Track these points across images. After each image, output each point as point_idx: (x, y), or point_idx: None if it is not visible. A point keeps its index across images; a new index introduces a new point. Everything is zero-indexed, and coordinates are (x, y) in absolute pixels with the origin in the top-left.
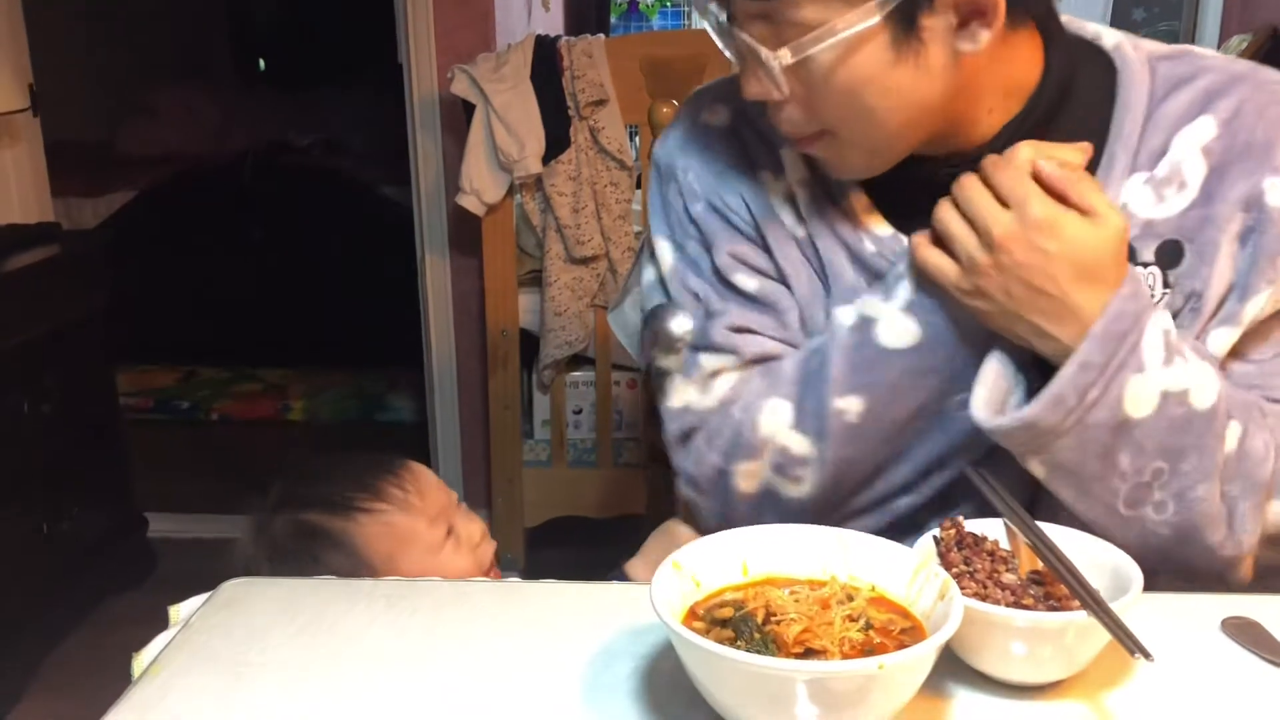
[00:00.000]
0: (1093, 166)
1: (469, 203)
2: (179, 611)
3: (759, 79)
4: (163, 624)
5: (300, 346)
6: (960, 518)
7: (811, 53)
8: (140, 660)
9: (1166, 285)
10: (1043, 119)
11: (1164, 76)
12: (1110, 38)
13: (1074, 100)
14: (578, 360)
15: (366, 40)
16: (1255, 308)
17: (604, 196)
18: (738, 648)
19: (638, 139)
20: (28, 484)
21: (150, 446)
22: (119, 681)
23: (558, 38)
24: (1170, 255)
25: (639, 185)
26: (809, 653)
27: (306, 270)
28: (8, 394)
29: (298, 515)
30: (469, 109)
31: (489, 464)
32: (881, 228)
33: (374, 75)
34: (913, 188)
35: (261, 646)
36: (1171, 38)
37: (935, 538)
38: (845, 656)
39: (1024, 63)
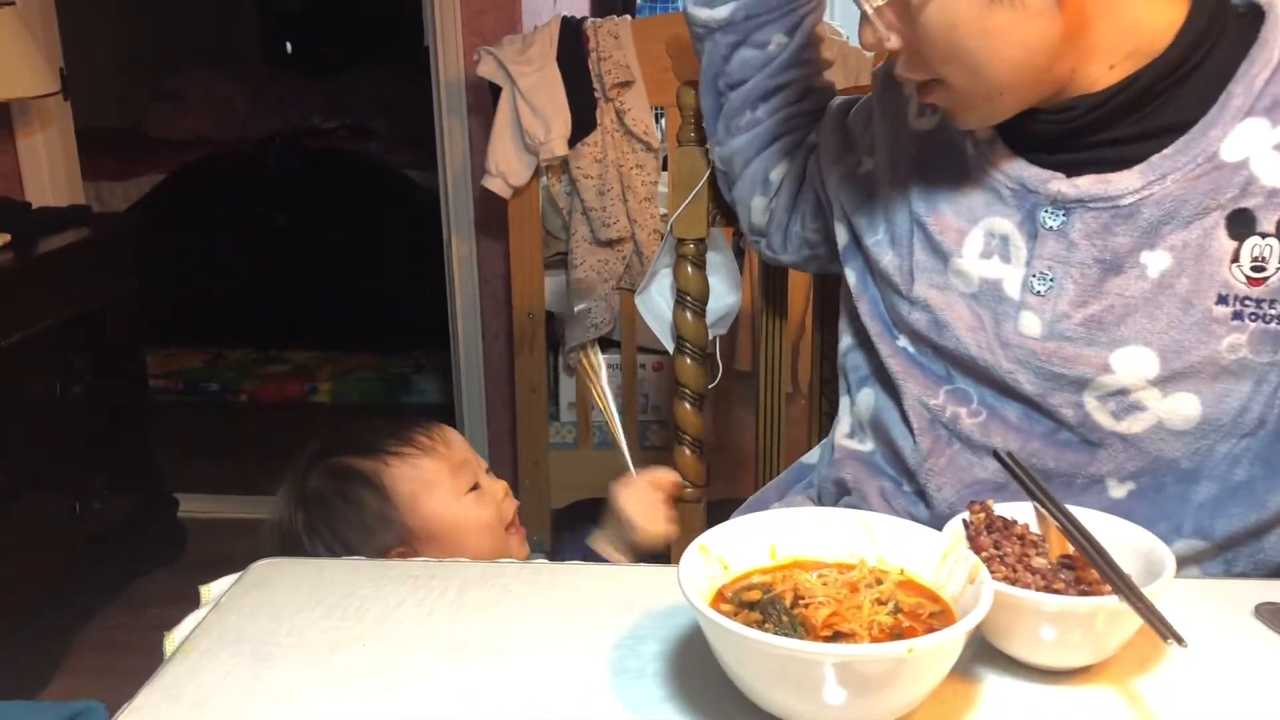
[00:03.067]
0: (1207, 105)
1: (495, 185)
2: (210, 591)
3: (869, 26)
4: (193, 604)
5: (327, 329)
6: (990, 501)
7: None
8: (172, 640)
9: None
10: (1169, 79)
11: None
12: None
13: (1209, 62)
14: (604, 343)
15: (393, 23)
16: None
17: (630, 179)
18: (765, 631)
19: (664, 121)
20: (59, 465)
21: (179, 428)
22: (150, 661)
23: (584, 19)
24: None
25: (664, 167)
26: (837, 636)
27: (333, 253)
28: (39, 376)
29: (333, 459)
30: (495, 91)
31: (515, 446)
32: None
33: (400, 58)
34: (1036, 142)
35: (290, 627)
36: None
37: (965, 521)
38: (874, 640)
39: (1152, 17)
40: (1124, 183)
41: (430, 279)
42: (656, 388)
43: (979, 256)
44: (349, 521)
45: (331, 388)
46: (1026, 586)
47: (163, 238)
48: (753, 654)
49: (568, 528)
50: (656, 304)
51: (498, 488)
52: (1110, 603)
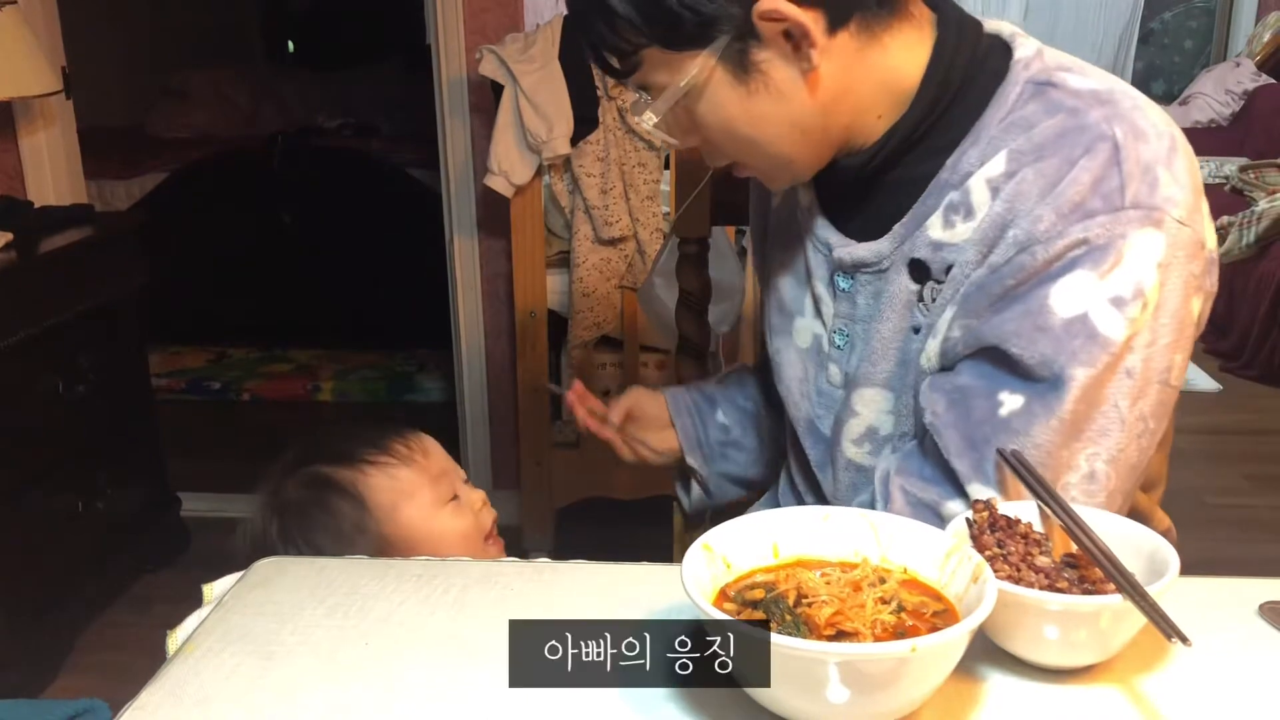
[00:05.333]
0: (950, 150)
1: (497, 184)
2: (212, 590)
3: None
4: (196, 602)
5: (330, 327)
6: (994, 500)
7: (667, 108)
8: (175, 638)
9: None
10: (929, 121)
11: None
12: (1022, 48)
13: (963, 104)
14: (606, 342)
15: (396, 22)
16: None
17: (632, 177)
18: (769, 630)
19: None
20: (62, 463)
21: (182, 426)
22: (153, 659)
23: None
24: None
25: (667, 166)
26: (841, 635)
27: (336, 251)
28: (43, 374)
29: (309, 468)
30: (497, 90)
31: (518, 445)
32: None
33: (403, 57)
34: (844, 189)
35: (294, 626)
36: (1208, 15)
37: (968, 520)
38: (877, 639)
39: (904, 65)
40: (879, 249)
41: (433, 277)
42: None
43: (811, 315)
44: (325, 530)
45: (334, 386)
46: (1030, 585)
47: (165, 237)
48: (756, 653)
49: (570, 527)
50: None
51: (475, 497)
52: (1114, 602)
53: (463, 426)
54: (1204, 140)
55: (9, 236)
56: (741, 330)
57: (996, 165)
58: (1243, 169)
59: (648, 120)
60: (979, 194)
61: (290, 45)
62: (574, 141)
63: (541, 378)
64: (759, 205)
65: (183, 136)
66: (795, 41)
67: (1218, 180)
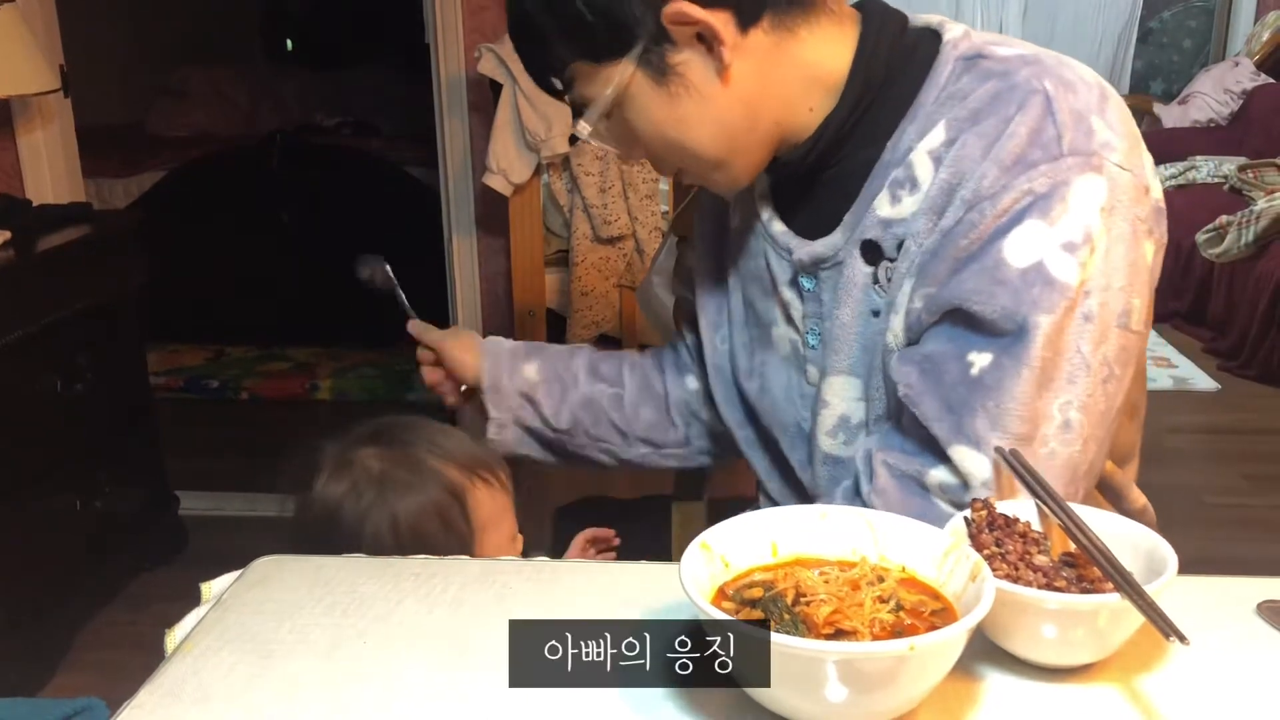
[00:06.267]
0: (888, 135)
1: (496, 182)
2: (211, 588)
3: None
4: (194, 601)
5: (328, 326)
6: (992, 499)
7: (597, 117)
8: (173, 637)
9: None
10: (860, 109)
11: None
12: (950, 31)
13: (896, 89)
14: (604, 340)
15: (394, 20)
16: None
17: (631, 176)
18: (767, 628)
19: None
20: (60, 462)
21: (180, 425)
22: (151, 657)
23: None
24: None
25: None
26: (839, 634)
27: (334, 250)
28: (41, 373)
29: (415, 453)
30: (496, 88)
31: None
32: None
33: (402, 55)
34: (790, 188)
35: (292, 624)
36: (1207, 15)
37: (966, 519)
38: (876, 638)
39: (829, 57)
40: (833, 242)
41: (431, 276)
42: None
43: (784, 323)
44: (420, 522)
45: (332, 385)
46: (1028, 584)
47: (164, 235)
48: (755, 652)
49: (568, 525)
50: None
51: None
52: (1112, 600)
53: (461, 425)
54: (1202, 139)
55: (7, 235)
56: None
57: (936, 136)
58: (1241, 168)
59: (582, 131)
60: (922, 167)
61: (289, 44)
62: (573, 140)
63: None
64: (711, 239)
65: (181, 135)
66: (708, 43)
67: (1216, 180)
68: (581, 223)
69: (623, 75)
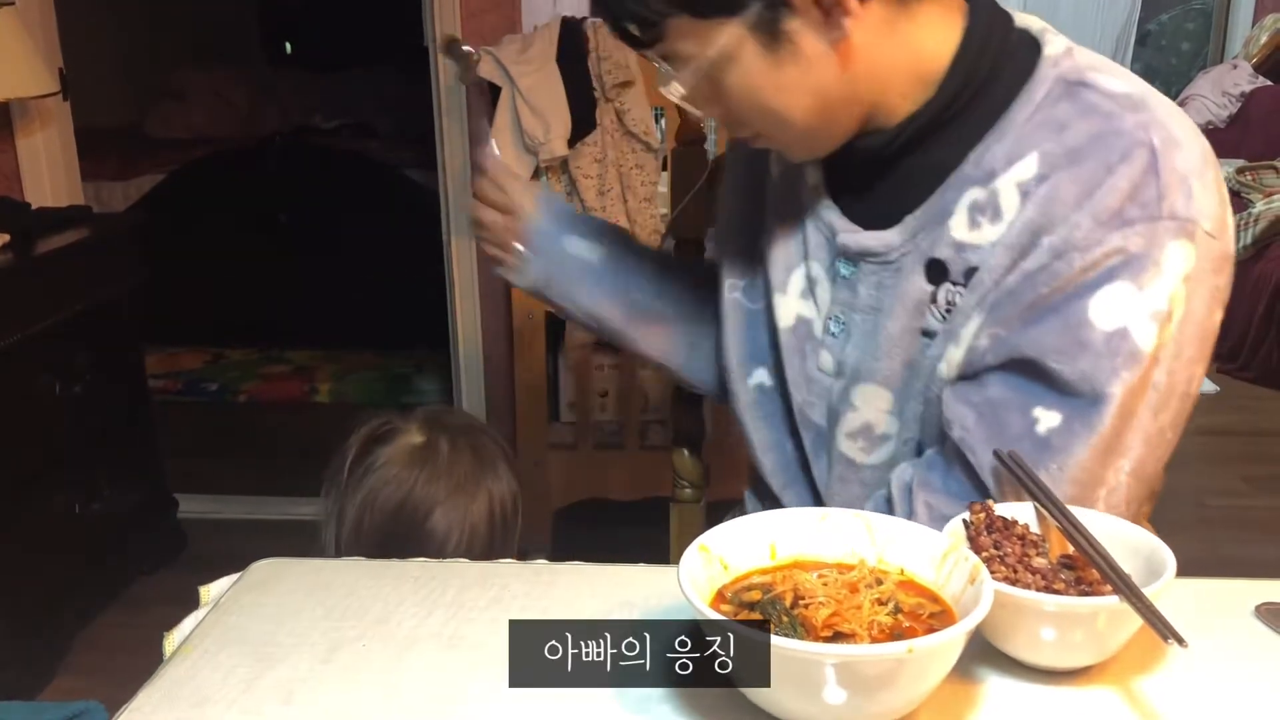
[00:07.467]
0: (974, 141)
1: None
2: (209, 591)
3: (688, 107)
4: (193, 604)
5: (327, 328)
6: (990, 501)
7: (696, 78)
8: (172, 640)
9: None
10: (955, 108)
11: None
12: (1051, 45)
13: (990, 94)
14: (604, 343)
15: (393, 23)
16: None
17: (629, 179)
18: (766, 631)
19: (664, 121)
20: (59, 464)
21: (179, 428)
22: (150, 661)
23: (584, 19)
24: None
25: (665, 167)
26: (838, 636)
27: (333, 253)
28: (39, 375)
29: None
30: (495, 91)
31: (515, 446)
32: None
33: (401, 58)
34: (855, 171)
35: (291, 627)
36: (1205, 17)
37: (965, 521)
38: (874, 640)
39: (933, 44)
40: (888, 240)
41: (430, 279)
42: (656, 388)
43: (799, 295)
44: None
45: (331, 388)
46: (1027, 586)
47: (162, 238)
48: (754, 654)
49: (568, 527)
50: None
51: None
52: (1111, 603)
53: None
54: None
55: (6, 238)
56: None
57: (1028, 168)
58: (1240, 170)
59: (674, 92)
60: (1008, 197)
61: (288, 46)
62: (571, 143)
63: (540, 379)
64: (747, 178)
65: (180, 137)
66: (826, 9)
67: None
68: None
69: (730, 37)
